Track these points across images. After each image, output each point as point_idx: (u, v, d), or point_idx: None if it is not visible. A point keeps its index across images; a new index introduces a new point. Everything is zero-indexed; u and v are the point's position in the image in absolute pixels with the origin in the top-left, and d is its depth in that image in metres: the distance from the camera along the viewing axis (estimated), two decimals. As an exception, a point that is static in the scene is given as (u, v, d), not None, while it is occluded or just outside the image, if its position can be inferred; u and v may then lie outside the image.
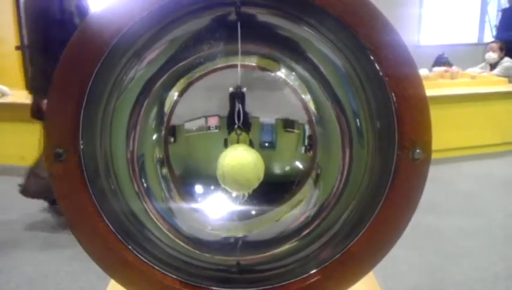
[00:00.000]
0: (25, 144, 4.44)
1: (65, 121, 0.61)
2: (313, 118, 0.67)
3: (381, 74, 0.61)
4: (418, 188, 0.65)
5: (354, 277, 0.68)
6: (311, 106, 0.68)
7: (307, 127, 0.68)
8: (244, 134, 0.66)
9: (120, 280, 0.67)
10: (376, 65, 0.61)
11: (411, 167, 0.63)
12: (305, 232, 0.69)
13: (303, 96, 0.67)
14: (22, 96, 4.92)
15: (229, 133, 0.67)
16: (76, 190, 0.63)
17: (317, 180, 0.69)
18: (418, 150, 0.62)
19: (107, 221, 0.64)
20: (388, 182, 0.64)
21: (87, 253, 0.66)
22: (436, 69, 5.46)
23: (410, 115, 0.62)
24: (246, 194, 0.68)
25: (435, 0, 7.77)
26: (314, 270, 0.67)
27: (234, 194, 0.68)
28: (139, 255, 0.66)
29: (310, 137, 0.68)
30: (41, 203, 3.60)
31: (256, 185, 0.64)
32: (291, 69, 0.67)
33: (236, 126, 0.66)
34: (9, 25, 5.25)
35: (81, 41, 0.61)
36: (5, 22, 5.23)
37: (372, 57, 0.61)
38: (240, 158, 0.63)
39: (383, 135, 0.65)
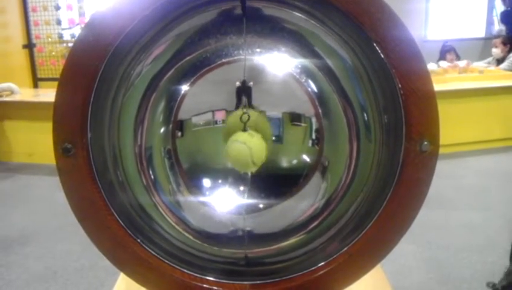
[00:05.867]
0: (33, 141, 4.49)
1: (73, 116, 0.62)
2: (320, 111, 0.67)
3: (388, 66, 0.61)
4: (426, 181, 0.65)
5: (361, 270, 0.68)
6: (318, 99, 0.68)
7: (313, 120, 0.68)
8: (253, 113, 0.67)
9: (129, 273, 0.68)
10: (383, 57, 0.60)
11: (419, 159, 0.63)
12: (312, 225, 0.69)
13: (309, 89, 0.67)
14: (30, 94, 4.97)
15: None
16: (85, 184, 0.63)
17: (325, 173, 0.69)
18: (425, 142, 0.62)
19: (116, 215, 0.65)
20: (396, 175, 0.64)
21: (96, 247, 0.66)
22: (443, 63, 5.44)
23: (418, 107, 0.62)
24: (249, 173, 0.69)
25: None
26: (322, 263, 0.67)
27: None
28: (148, 249, 0.67)
29: (317, 130, 0.68)
30: (48, 201, 3.63)
31: (254, 168, 0.67)
32: (297, 62, 0.67)
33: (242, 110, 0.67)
34: (17, 23, 5.28)
35: (88, 38, 0.61)
36: (12, 20, 5.26)
37: (378, 49, 0.60)
38: (237, 152, 0.65)
39: (391, 127, 0.64)
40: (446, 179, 3.77)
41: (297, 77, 0.67)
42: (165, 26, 0.64)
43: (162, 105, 0.67)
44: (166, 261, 0.67)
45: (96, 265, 2.68)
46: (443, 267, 2.55)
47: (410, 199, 0.66)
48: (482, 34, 7.96)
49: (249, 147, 0.65)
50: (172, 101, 0.67)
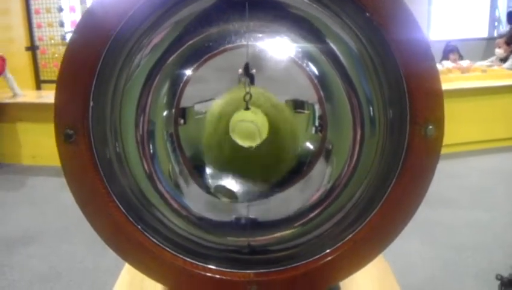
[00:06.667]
0: (36, 143, 4.50)
1: (75, 101, 0.61)
2: (324, 97, 0.66)
3: (391, 50, 0.60)
4: (431, 167, 0.64)
5: (366, 258, 0.68)
6: (322, 85, 0.67)
7: (317, 107, 0.67)
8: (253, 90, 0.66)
9: (131, 262, 0.67)
10: (386, 40, 0.60)
11: (423, 144, 0.62)
12: (316, 212, 0.68)
13: (313, 75, 0.67)
14: (32, 96, 4.98)
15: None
16: (87, 170, 0.63)
17: (329, 158, 0.68)
18: (430, 126, 0.61)
19: (117, 202, 0.64)
20: (400, 161, 0.64)
21: (98, 235, 0.66)
22: (447, 63, 5.43)
23: (422, 91, 0.61)
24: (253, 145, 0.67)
25: (443, -4, 7.75)
26: (326, 251, 0.66)
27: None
28: (149, 237, 0.66)
29: (320, 117, 0.67)
30: (52, 202, 3.63)
31: (259, 142, 0.64)
32: (301, 48, 0.67)
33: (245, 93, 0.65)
34: (19, 25, 5.29)
35: (89, 24, 0.61)
36: (15, 22, 5.26)
37: (381, 31, 0.60)
38: (245, 128, 0.64)
39: (395, 112, 0.64)
40: (450, 179, 3.75)
41: (301, 63, 0.66)
42: (166, 11, 0.64)
43: (164, 90, 0.66)
44: (168, 249, 0.67)
45: (100, 265, 2.68)
46: (448, 265, 2.54)
47: (415, 186, 0.65)
48: (485, 34, 7.95)
49: (256, 124, 0.64)
50: (175, 85, 0.66)
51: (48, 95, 4.79)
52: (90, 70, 0.60)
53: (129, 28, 0.62)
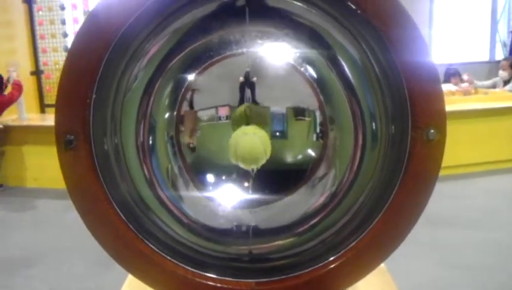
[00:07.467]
0: (39, 166, 4.50)
1: (76, 107, 0.62)
2: (323, 101, 0.66)
3: (391, 54, 0.60)
4: (433, 171, 0.64)
5: (369, 266, 0.67)
6: (322, 92, 0.67)
7: (317, 113, 0.67)
8: (254, 108, 0.66)
9: (131, 270, 0.67)
10: (386, 45, 0.60)
11: (426, 148, 0.62)
12: (317, 220, 0.68)
13: (314, 83, 0.67)
14: (37, 119, 5.01)
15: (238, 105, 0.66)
16: (87, 177, 0.63)
17: (331, 161, 0.67)
18: (432, 130, 0.61)
19: (117, 209, 0.64)
20: (402, 167, 0.63)
21: (98, 243, 0.65)
22: (450, 86, 5.45)
23: (423, 95, 0.61)
24: (255, 168, 0.67)
25: (444, 21, 7.81)
26: (329, 259, 0.66)
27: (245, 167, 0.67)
28: (150, 245, 0.65)
29: (321, 124, 0.67)
30: (53, 224, 3.62)
31: (264, 160, 0.64)
32: (302, 55, 0.67)
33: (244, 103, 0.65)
34: (24, 50, 5.34)
35: (92, 27, 0.61)
36: (20, 47, 5.32)
37: (383, 38, 0.60)
38: (251, 143, 0.63)
39: (397, 117, 0.64)
40: (456, 200, 3.73)
41: (302, 70, 0.66)
42: (167, 16, 0.64)
43: (165, 95, 0.67)
44: (169, 258, 0.66)
45: (101, 286, 2.65)
46: (453, 286, 2.50)
47: (418, 192, 0.64)
48: (486, 57, 8.00)
49: (259, 137, 0.64)
50: (176, 91, 0.66)
51: (52, 119, 4.80)
52: (91, 73, 0.61)
53: (132, 31, 0.62)
